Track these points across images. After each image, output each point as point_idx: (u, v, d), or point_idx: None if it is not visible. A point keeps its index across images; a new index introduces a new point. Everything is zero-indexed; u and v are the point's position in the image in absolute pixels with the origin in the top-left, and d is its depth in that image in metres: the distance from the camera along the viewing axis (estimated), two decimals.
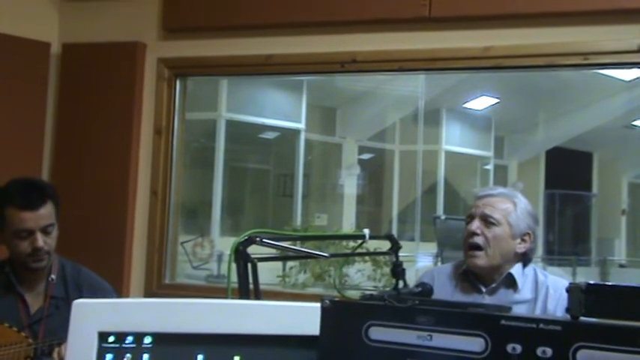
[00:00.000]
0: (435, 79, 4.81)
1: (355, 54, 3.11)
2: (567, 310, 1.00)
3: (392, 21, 3.04)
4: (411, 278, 1.90)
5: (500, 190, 2.14)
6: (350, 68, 3.14)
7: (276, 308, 1.21)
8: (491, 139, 9.67)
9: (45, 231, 2.09)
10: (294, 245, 1.81)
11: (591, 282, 1.01)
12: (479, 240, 2.04)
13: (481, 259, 2.04)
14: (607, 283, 1.13)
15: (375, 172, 9.18)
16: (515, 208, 2.07)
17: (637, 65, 3.02)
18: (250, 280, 1.49)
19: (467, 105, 9.04)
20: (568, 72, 3.96)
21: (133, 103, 3.37)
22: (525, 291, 2.06)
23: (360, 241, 1.86)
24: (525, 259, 2.10)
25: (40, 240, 2.07)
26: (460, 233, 2.16)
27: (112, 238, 3.33)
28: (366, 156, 9.23)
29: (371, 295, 1.17)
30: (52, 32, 3.54)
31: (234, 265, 1.48)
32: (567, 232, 10.48)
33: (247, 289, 1.48)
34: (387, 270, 5.03)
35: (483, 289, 2.08)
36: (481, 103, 8.99)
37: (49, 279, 2.16)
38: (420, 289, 1.70)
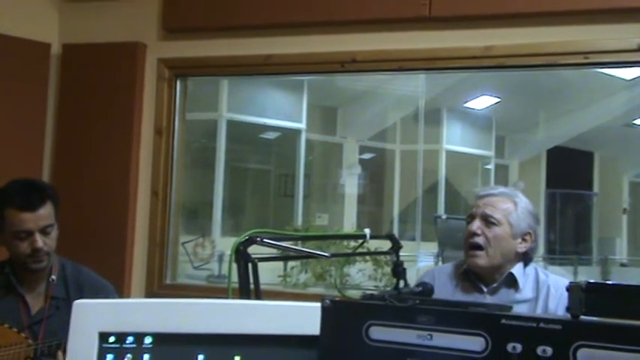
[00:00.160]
0: (435, 78, 4.81)
1: (355, 54, 3.11)
2: (568, 309, 1.00)
3: (392, 21, 3.04)
4: (412, 278, 1.90)
5: (501, 189, 2.14)
6: (350, 68, 3.14)
7: (277, 308, 1.21)
8: (492, 139, 9.67)
9: (44, 232, 2.09)
10: (295, 245, 1.81)
11: (591, 281, 1.01)
12: (480, 240, 2.04)
13: (482, 259, 2.04)
14: (607, 282, 1.13)
15: (375, 171, 9.18)
16: (515, 207, 2.07)
17: (637, 64, 3.02)
18: (251, 280, 1.49)
19: (467, 104, 9.04)
20: (569, 71, 3.96)
21: (133, 104, 3.37)
22: (526, 290, 2.06)
23: (360, 241, 1.86)
24: (526, 258, 2.10)
25: (40, 241, 2.07)
26: (461, 233, 2.16)
27: (113, 239, 3.33)
28: (366, 156, 9.23)
29: (371, 294, 1.17)
30: (53, 33, 3.54)
31: (234, 265, 1.48)
32: (568, 231, 10.47)
33: (248, 289, 1.48)
34: (387, 270, 5.04)
35: (484, 289, 2.08)
36: (482, 102, 8.98)
37: (50, 279, 2.15)
38: (420, 288, 1.69)
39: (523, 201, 2.10)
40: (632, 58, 2.78)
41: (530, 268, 2.11)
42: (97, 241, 3.28)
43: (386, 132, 8.89)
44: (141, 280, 3.35)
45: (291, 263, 5.46)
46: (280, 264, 5.35)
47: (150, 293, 3.30)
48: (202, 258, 4.01)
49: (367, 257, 4.58)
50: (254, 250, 1.51)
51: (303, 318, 1.16)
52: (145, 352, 1.16)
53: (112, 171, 3.37)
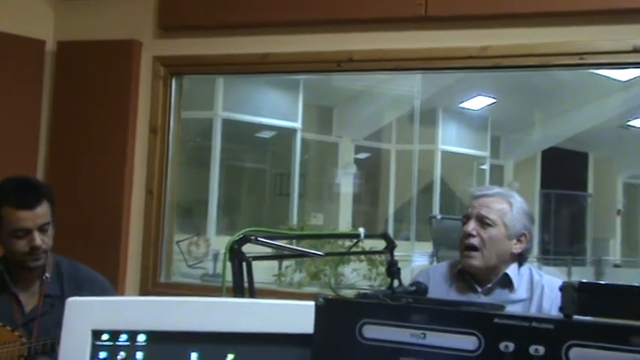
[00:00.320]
0: (431, 78, 4.83)
1: (352, 53, 3.11)
2: (560, 308, 1.00)
3: (388, 20, 3.04)
4: (407, 278, 1.90)
5: (496, 190, 2.15)
6: (346, 67, 3.14)
7: (270, 306, 1.21)
8: (487, 139, 9.68)
9: (42, 229, 2.09)
10: (290, 244, 1.81)
11: (584, 281, 1.02)
12: (475, 241, 2.04)
13: (477, 260, 2.05)
14: (600, 281, 1.13)
15: (371, 171, 9.18)
16: (511, 208, 2.08)
17: (633, 65, 3.03)
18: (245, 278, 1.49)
19: (463, 105, 9.04)
20: (564, 72, 3.97)
21: (128, 102, 3.36)
22: (521, 290, 2.07)
23: (355, 240, 1.87)
24: (521, 258, 2.11)
25: (38, 239, 2.07)
26: (456, 233, 2.16)
27: (108, 237, 3.32)
28: (362, 155, 9.22)
29: (365, 293, 1.17)
30: (47, 30, 3.53)
31: (229, 264, 1.48)
32: (563, 232, 10.48)
33: (242, 287, 1.48)
34: (382, 269, 5.03)
35: (479, 289, 2.08)
36: (477, 102, 8.99)
37: (43, 277, 2.15)
38: (414, 287, 1.70)
39: (518, 201, 2.11)
40: (627, 59, 2.79)
41: (525, 268, 2.11)
42: (92, 239, 3.28)
43: (381, 132, 8.89)
44: (135, 278, 3.35)
45: (285, 262, 5.45)
46: (275, 263, 5.34)
47: (144, 291, 3.30)
48: (197, 257, 4.01)
49: (362, 257, 4.57)
50: (248, 248, 1.51)
51: (297, 316, 1.16)
52: (139, 350, 1.16)
53: (106, 169, 3.36)
